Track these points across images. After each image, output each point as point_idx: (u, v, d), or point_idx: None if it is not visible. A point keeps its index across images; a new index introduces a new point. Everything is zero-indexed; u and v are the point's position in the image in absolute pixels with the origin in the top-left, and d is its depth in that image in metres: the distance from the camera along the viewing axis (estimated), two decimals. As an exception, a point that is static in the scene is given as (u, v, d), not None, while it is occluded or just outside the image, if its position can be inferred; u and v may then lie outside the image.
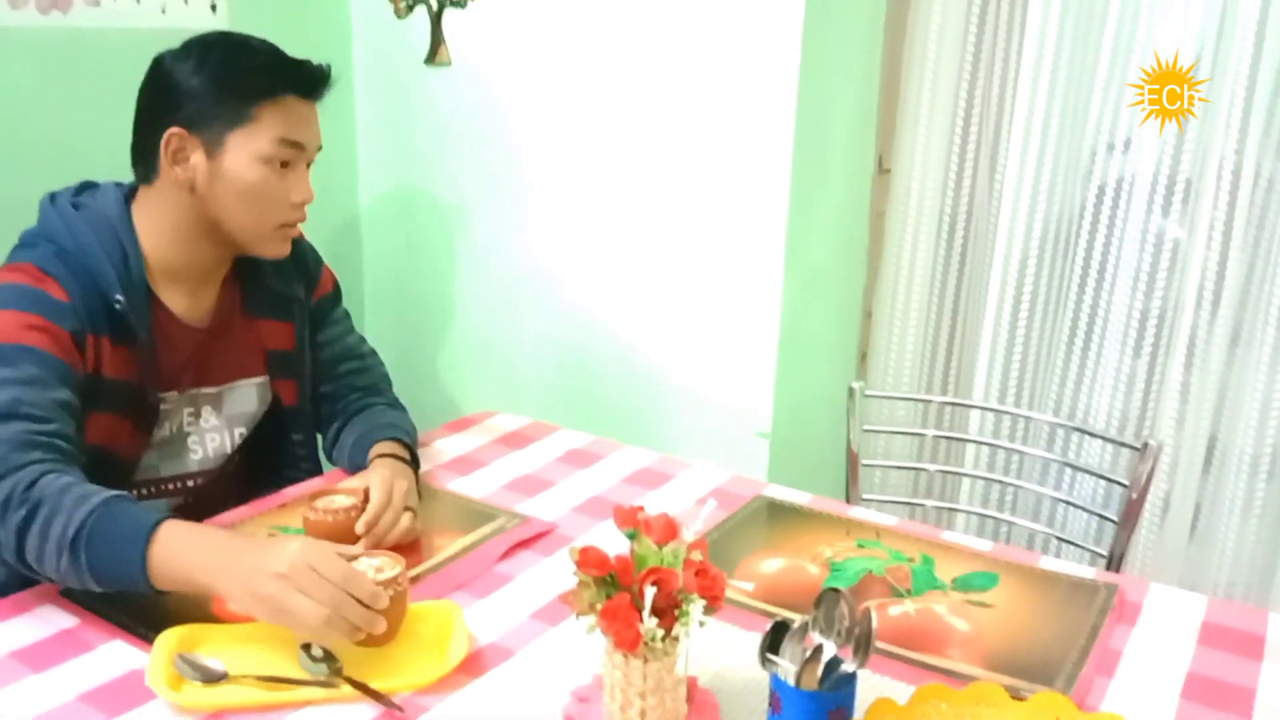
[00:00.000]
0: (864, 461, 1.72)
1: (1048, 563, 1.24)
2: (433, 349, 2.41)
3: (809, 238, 1.96)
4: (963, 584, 1.18)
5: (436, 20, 2.18)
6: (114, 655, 1.00)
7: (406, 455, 1.38)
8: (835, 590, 0.86)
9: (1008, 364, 2.09)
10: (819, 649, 0.85)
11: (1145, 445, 1.48)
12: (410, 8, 2.21)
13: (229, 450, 1.39)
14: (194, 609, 1.07)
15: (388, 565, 1.02)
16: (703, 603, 0.85)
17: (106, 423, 1.22)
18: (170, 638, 1.00)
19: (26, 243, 1.24)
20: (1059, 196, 1.99)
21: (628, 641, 0.83)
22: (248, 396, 1.40)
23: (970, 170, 2.09)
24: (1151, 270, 1.90)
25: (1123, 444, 1.62)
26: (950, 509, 2.03)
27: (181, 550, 1.00)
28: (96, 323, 1.19)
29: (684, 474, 1.49)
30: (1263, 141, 1.75)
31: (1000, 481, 2.05)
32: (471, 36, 2.15)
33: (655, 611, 0.83)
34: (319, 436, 1.51)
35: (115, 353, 1.21)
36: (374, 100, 2.33)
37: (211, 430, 1.37)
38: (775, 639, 0.86)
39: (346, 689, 0.95)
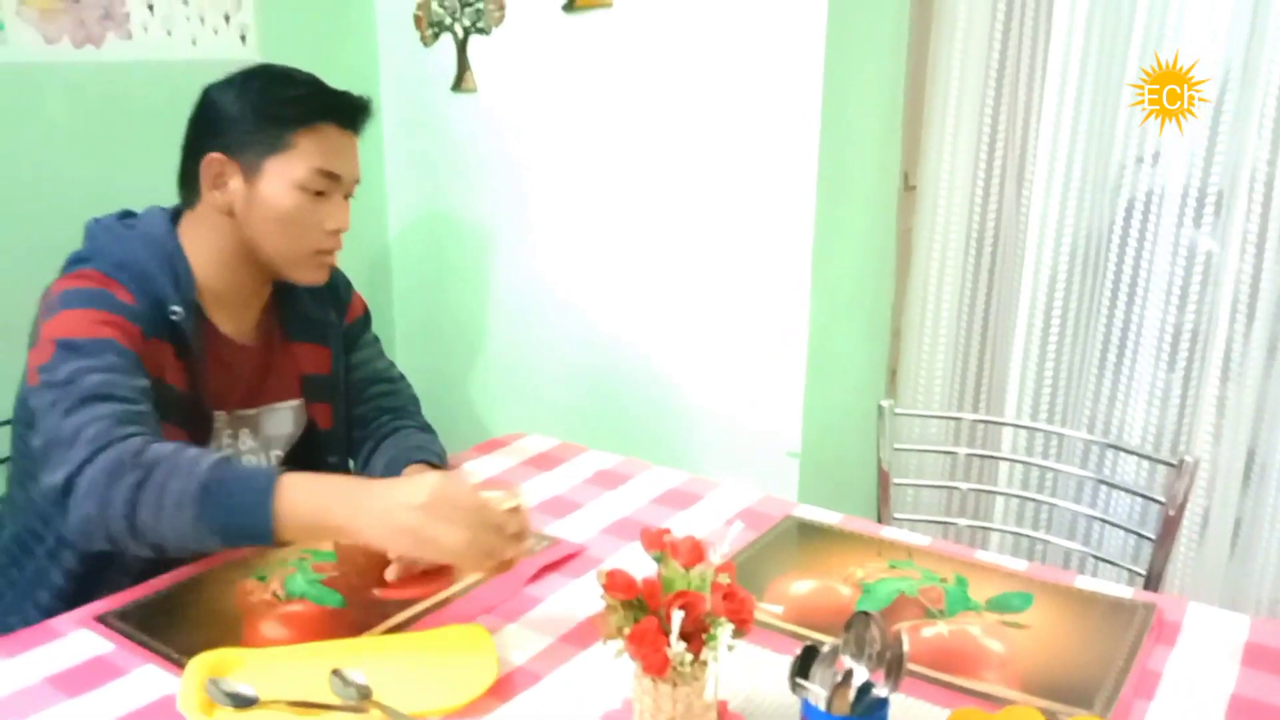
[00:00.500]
0: (895, 480, 1.71)
1: (1084, 582, 1.22)
2: (462, 372, 2.43)
3: (835, 256, 1.95)
4: (997, 605, 1.16)
5: (462, 47, 2.21)
6: (146, 681, 1.01)
7: None
8: (866, 613, 0.85)
9: (1039, 380, 2.07)
10: (850, 673, 0.84)
11: (1182, 461, 1.46)
12: (436, 35, 2.24)
13: None
14: (225, 635, 1.07)
15: (508, 498, 1.06)
16: (731, 626, 0.85)
17: (167, 432, 1.22)
18: (202, 663, 1.00)
19: (77, 258, 1.25)
20: (1088, 210, 1.97)
21: (655, 666, 0.83)
22: (284, 419, 1.41)
23: (997, 185, 2.08)
24: (1184, 283, 1.88)
25: (1159, 460, 1.59)
26: (984, 528, 2.00)
27: (311, 494, 1.03)
28: (159, 330, 1.21)
29: (713, 494, 1.48)
30: (1294, 151, 1.73)
31: (1034, 500, 2.03)
32: (496, 63, 2.17)
33: (683, 635, 0.83)
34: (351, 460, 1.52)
35: (175, 363, 1.24)
36: (402, 127, 2.36)
37: (249, 452, 1.38)
38: (805, 663, 0.85)
39: (376, 714, 0.95)
